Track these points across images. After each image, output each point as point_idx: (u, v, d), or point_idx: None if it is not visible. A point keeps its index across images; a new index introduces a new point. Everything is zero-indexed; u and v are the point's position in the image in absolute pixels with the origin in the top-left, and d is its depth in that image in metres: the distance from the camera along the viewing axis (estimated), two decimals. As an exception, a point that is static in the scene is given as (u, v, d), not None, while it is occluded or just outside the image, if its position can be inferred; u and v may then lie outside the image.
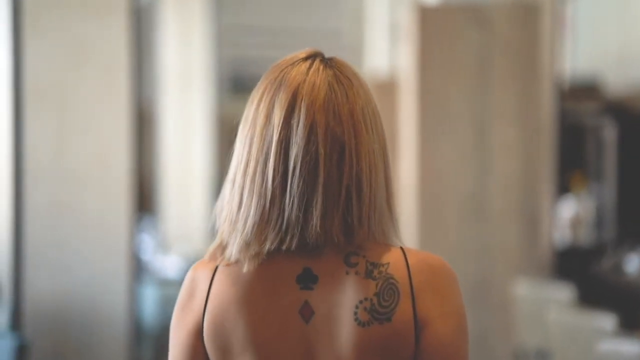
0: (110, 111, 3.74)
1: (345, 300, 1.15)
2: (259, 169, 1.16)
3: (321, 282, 1.16)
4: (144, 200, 8.80)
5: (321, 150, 1.14)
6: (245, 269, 1.17)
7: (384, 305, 1.15)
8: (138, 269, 5.52)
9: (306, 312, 1.16)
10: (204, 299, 1.18)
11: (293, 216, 1.15)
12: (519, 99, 3.94)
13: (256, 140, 1.18)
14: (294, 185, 1.14)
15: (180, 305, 1.21)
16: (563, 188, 5.35)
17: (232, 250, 1.18)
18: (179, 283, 4.25)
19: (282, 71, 1.20)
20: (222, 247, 1.20)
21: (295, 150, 1.14)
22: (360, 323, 1.15)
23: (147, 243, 6.38)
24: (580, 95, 6.47)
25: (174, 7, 7.63)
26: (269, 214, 1.15)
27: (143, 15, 7.66)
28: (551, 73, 4.06)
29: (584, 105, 6.47)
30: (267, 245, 1.16)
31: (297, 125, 1.15)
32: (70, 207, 3.71)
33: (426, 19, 3.82)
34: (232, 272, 1.18)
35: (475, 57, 3.88)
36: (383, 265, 1.16)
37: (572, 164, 5.83)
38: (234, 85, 13.49)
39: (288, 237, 1.15)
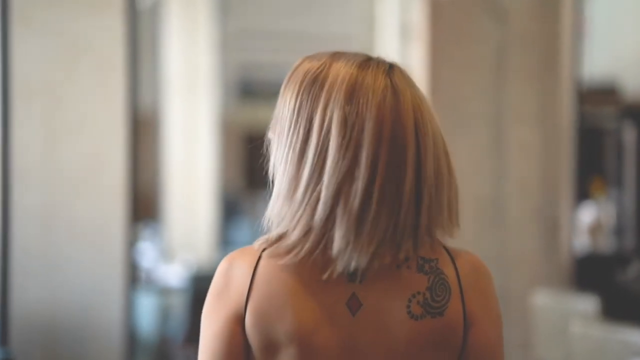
0: (105, 111, 3.55)
1: (396, 294, 1.16)
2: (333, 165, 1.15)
3: (370, 275, 1.16)
4: (148, 207, 8.67)
5: (385, 152, 1.15)
6: (298, 256, 1.15)
7: (437, 300, 1.17)
8: (136, 277, 5.37)
9: (354, 305, 1.16)
10: (246, 288, 1.16)
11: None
12: (537, 98, 3.70)
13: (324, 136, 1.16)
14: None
15: (216, 292, 1.18)
16: (582, 193, 5.13)
17: (293, 239, 1.15)
18: (180, 292, 4.05)
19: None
20: (273, 239, 1.18)
21: (365, 152, 1.14)
22: (413, 316, 1.16)
23: (149, 251, 6.22)
24: (597, 99, 6.32)
25: (179, 10, 7.48)
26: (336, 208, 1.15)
27: (147, 18, 7.52)
28: (571, 71, 3.83)
29: (602, 109, 6.32)
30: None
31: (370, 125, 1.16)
32: (62, 212, 3.51)
33: (438, 12, 3.58)
34: (278, 263, 1.16)
35: (491, 52, 3.64)
36: (433, 260, 1.18)
37: (591, 169, 5.63)
38: (242, 90, 13.34)
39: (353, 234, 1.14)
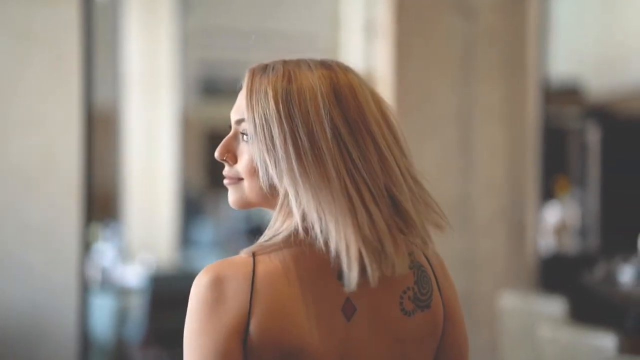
0: (58, 106, 3.41)
1: (389, 292, 1.15)
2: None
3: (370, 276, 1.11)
4: (107, 206, 8.51)
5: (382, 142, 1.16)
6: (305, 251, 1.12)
7: (424, 293, 1.18)
8: (92, 278, 5.23)
9: (348, 310, 1.13)
10: (247, 300, 1.09)
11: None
12: (505, 96, 3.63)
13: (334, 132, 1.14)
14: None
15: (206, 308, 1.09)
16: (546, 193, 5.10)
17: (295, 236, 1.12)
18: (139, 293, 3.90)
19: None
20: (266, 241, 1.14)
21: (359, 147, 1.14)
22: (405, 313, 1.16)
23: (108, 251, 6.08)
24: (561, 99, 6.33)
25: (139, 4, 7.33)
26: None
27: (106, 11, 7.36)
28: (537, 69, 3.77)
29: (565, 110, 6.33)
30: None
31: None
32: (12, 211, 3.36)
33: (403, 8, 3.49)
34: (278, 271, 1.11)
35: (458, 49, 3.56)
36: (412, 254, 1.18)
37: (554, 168, 5.62)
38: (204, 88, 13.18)
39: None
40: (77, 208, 3.37)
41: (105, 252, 6.03)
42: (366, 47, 5.82)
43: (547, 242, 5.13)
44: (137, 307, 5.45)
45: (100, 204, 8.51)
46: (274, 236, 1.14)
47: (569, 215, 5.32)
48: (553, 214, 5.26)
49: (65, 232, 3.37)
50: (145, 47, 7.35)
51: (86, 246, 3.56)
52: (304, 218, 1.12)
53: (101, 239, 6.34)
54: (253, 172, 1.16)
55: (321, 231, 1.10)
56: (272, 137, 1.13)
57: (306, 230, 1.12)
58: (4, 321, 3.33)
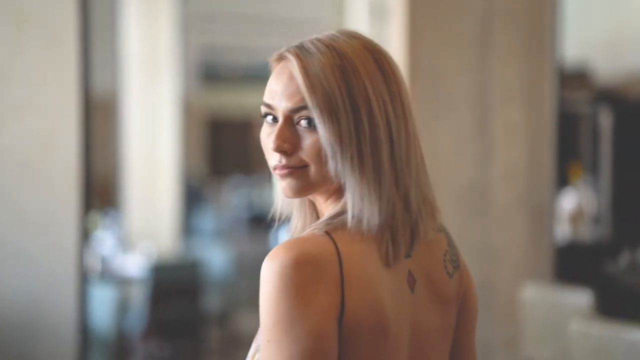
0: (55, 89, 3.25)
1: (435, 258, 1.18)
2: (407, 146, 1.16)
3: (415, 246, 1.15)
4: (107, 194, 8.39)
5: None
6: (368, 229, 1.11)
7: (454, 253, 1.22)
8: (91, 268, 5.10)
9: (411, 281, 1.15)
10: (339, 277, 1.06)
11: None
12: (523, 76, 3.45)
13: (405, 118, 1.16)
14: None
15: (299, 290, 1.03)
16: (560, 179, 4.95)
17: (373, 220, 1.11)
18: (140, 283, 3.75)
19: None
20: (337, 222, 1.12)
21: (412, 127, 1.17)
22: (449, 275, 1.20)
23: (108, 240, 5.95)
24: (570, 83, 6.20)
25: (138, -12, 7.15)
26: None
27: (104, -5, 7.20)
28: (554, 49, 3.60)
29: (575, 93, 6.20)
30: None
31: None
32: (9, 198, 3.21)
33: (417, -16, 3.32)
34: (356, 249, 1.09)
35: (475, 27, 3.39)
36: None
37: (566, 154, 5.47)
38: (205, 74, 13.00)
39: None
40: (75, 196, 3.23)
41: (104, 241, 5.93)
42: (372, 31, 5.64)
43: (562, 230, 4.97)
44: (138, 297, 5.35)
45: (100, 192, 8.38)
46: (333, 218, 1.13)
47: (585, 202, 5.15)
48: (569, 201, 5.10)
49: (63, 220, 3.23)
50: (145, 32, 7.20)
51: (85, 235, 3.43)
52: (356, 201, 1.11)
53: (101, 228, 6.24)
54: (320, 157, 1.13)
55: (371, 214, 1.10)
56: (339, 120, 1.11)
57: (359, 213, 1.11)
58: (0, 313, 3.20)
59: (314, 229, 1.11)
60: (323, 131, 1.11)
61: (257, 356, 1.13)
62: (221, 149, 14.06)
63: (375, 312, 1.07)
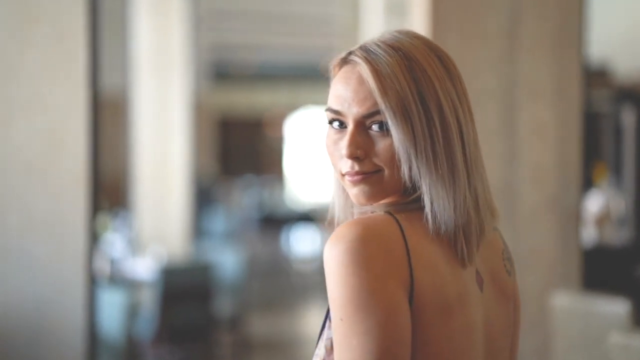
0: (64, 87, 3.14)
1: (496, 257, 1.19)
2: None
3: (479, 245, 1.15)
4: (117, 195, 8.28)
5: None
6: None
7: (509, 252, 1.24)
8: (100, 272, 4.99)
9: (479, 281, 1.15)
10: (406, 253, 1.05)
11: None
12: (553, 73, 3.30)
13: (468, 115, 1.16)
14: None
15: (370, 262, 1.02)
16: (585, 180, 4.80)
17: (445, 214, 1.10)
18: (150, 286, 3.63)
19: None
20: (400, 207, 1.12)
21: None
22: (508, 272, 1.21)
23: (118, 242, 5.85)
24: (592, 81, 6.06)
25: (149, -14, 7.05)
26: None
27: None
28: (583, 43, 3.45)
29: (597, 92, 6.08)
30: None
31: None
32: (15, 199, 3.10)
33: (442, -24, 3.17)
34: (419, 230, 1.09)
35: (502, 21, 3.24)
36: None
37: (590, 153, 5.32)
38: (216, 73, 12.88)
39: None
40: (84, 197, 3.12)
41: (114, 243, 5.83)
42: (389, 27, 5.50)
43: (588, 233, 4.81)
44: (148, 301, 5.24)
45: (109, 193, 8.27)
46: (394, 205, 1.12)
47: (613, 204, 4.99)
48: (594, 203, 4.94)
49: (72, 222, 3.12)
50: (156, 30, 7.10)
51: (94, 237, 3.31)
52: (433, 203, 1.10)
53: (110, 230, 6.14)
54: (394, 160, 1.11)
55: (448, 215, 1.09)
56: (412, 122, 1.10)
57: (437, 214, 1.10)
58: (8, 317, 3.09)
59: (373, 211, 1.10)
60: (397, 134, 1.09)
61: (320, 345, 1.10)
62: (232, 149, 13.95)
63: (442, 295, 1.06)
